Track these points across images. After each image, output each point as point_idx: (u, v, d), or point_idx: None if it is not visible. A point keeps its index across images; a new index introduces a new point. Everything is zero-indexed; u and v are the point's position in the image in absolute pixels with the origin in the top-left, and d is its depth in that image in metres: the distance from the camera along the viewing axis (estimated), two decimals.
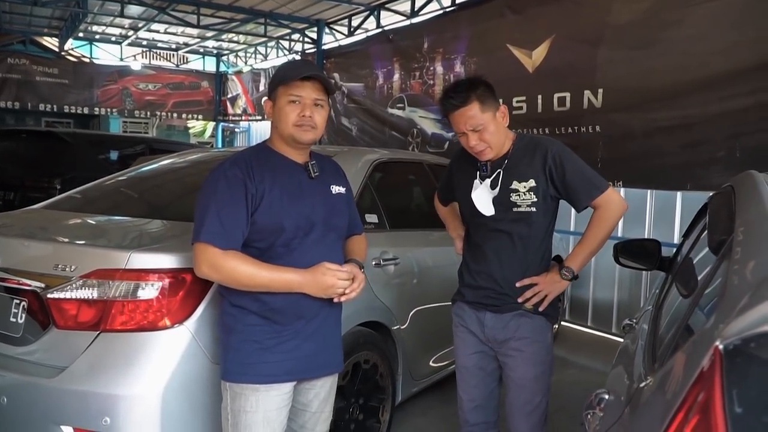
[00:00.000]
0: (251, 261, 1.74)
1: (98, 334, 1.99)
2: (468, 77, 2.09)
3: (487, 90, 2.06)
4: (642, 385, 1.13)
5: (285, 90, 1.82)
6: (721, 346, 0.72)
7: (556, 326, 5.21)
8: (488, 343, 2.19)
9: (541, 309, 2.10)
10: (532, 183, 2.06)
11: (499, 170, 2.10)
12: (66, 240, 2.38)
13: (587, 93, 4.86)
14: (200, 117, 13.96)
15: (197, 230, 1.73)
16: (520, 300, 2.09)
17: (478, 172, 2.14)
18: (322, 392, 1.96)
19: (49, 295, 2.06)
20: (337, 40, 9.58)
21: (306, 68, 1.94)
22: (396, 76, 7.39)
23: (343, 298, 1.84)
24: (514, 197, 2.07)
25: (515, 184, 2.07)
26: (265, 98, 1.95)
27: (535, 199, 2.06)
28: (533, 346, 2.11)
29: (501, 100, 2.14)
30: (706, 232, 1.69)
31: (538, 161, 2.06)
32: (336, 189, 1.96)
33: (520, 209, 2.07)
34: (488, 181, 2.11)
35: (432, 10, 7.48)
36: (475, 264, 2.19)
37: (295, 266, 1.78)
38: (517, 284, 2.09)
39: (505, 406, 2.22)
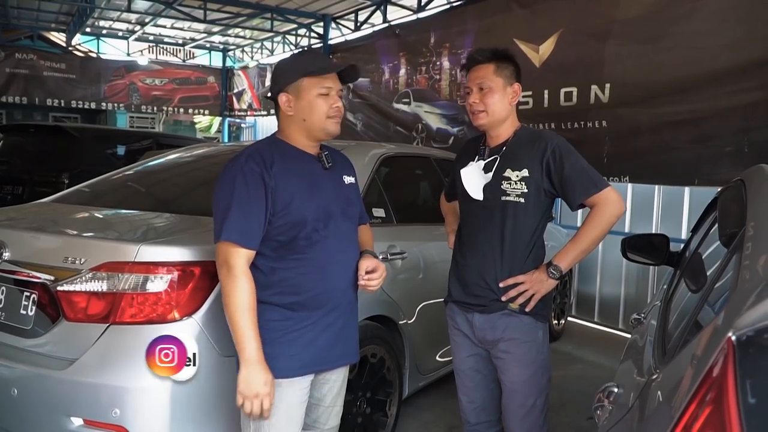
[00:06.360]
0: (251, 298, 1.70)
1: (107, 326, 2.00)
2: (501, 48, 2.13)
3: (510, 63, 2.09)
4: (652, 378, 1.13)
5: (315, 82, 1.78)
6: (734, 338, 0.72)
7: (563, 322, 5.20)
8: (481, 345, 2.15)
9: (528, 309, 2.02)
10: (525, 173, 2.01)
11: (496, 156, 2.08)
12: (75, 233, 2.39)
13: (594, 88, 4.83)
14: (206, 112, 13.97)
15: (218, 229, 1.70)
16: (504, 299, 2.02)
17: (477, 156, 2.14)
18: (336, 386, 1.97)
19: (58, 288, 2.07)
20: (343, 35, 9.58)
21: (330, 61, 1.96)
22: (402, 71, 7.37)
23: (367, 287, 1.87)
24: (504, 185, 2.03)
25: (508, 172, 2.04)
26: (278, 93, 1.82)
27: (526, 190, 2.01)
28: (521, 348, 2.04)
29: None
30: (715, 226, 1.68)
31: (537, 152, 2.02)
32: (348, 179, 1.96)
33: (508, 198, 2.02)
34: (482, 162, 2.09)
35: (439, 5, 7.47)
36: (462, 258, 2.16)
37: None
38: (501, 284, 2.02)
39: (501, 408, 2.17)
